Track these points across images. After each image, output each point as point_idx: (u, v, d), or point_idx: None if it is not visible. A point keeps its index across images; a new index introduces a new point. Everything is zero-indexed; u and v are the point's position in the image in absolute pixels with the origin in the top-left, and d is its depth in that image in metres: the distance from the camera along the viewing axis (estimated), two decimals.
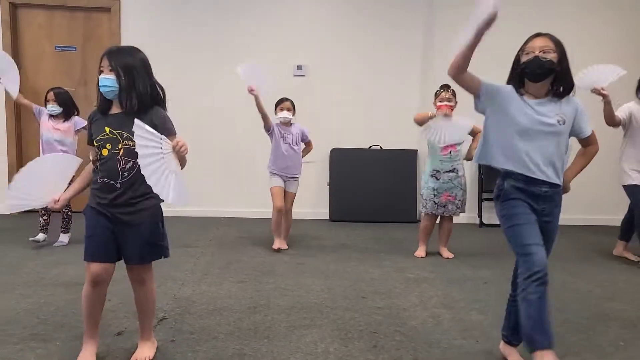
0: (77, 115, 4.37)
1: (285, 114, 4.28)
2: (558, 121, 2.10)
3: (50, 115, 4.26)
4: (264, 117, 4.21)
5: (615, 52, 5.80)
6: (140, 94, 2.06)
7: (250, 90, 4.06)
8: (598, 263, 4.19)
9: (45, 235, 4.35)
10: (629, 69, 3.76)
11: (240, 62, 5.69)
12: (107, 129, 2.07)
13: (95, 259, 2.12)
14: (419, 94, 5.97)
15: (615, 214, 5.68)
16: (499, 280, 3.65)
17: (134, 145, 1.95)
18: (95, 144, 2.10)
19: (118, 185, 2.07)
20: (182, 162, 2.15)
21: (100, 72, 2.07)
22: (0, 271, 3.57)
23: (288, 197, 4.38)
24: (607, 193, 5.79)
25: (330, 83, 5.87)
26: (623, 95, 4.21)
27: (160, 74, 5.96)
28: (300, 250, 4.26)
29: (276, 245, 4.31)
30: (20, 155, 5.76)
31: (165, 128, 2.12)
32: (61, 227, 4.39)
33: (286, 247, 4.44)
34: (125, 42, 5.62)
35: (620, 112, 4.07)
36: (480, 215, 5.88)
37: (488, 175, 5.66)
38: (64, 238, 4.34)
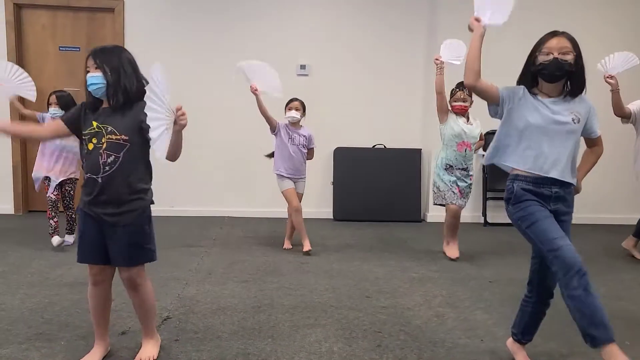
0: None
1: (293, 114, 4.22)
2: (573, 119, 2.09)
3: (53, 119, 4.23)
4: (267, 119, 4.16)
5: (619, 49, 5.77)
6: (126, 89, 2.07)
7: (254, 90, 4.03)
8: (603, 262, 4.17)
9: (64, 238, 4.33)
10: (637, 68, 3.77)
11: (242, 61, 5.76)
12: (95, 124, 2.08)
13: (85, 261, 2.16)
14: (423, 92, 5.96)
15: (619, 213, 5.68)
16: (503, 280, 3.64)
17: (117, 139, 2.04)
18: (83, 138, 2.11)
19: (99, 179, 2.06)
20: (178, 148, 2.07)
21: (87, 72, 2.09)
22: (5, 271, 3.58)
23: (297, 196, 4.32)
24: (612, 192, 5.78)
25: (334, 82, 5.86)
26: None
27: (163, 74, 5.87)
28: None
29: (306, 247, 4.23)
30: (25, 157, 5.78)
31: None
32: (66, 229, 4.40)
33: (291, 246, 4.44)
34: (128, 42, 5.63)
35: (632, 105, 4.04)
36: (484, 215, 5.86)
37: (492, 175, 5.64)
38: (68, 238, 4.35)
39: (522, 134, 2.12)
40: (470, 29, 2.25)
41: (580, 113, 2.12)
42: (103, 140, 2.06)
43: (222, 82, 5.78)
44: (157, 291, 3.18)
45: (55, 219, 4.25)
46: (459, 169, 4.09)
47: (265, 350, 2.42)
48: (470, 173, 4.16)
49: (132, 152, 2.09)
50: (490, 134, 3.66)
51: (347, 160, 5.86)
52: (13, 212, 5.78)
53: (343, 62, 5.89)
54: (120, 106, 2.07)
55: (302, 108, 4.30)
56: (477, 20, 2.22)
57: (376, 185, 5.86)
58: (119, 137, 2.05)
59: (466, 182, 4.12)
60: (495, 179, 5.63)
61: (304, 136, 4.31)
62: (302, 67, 5.85)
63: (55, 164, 4.18)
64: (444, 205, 4.17)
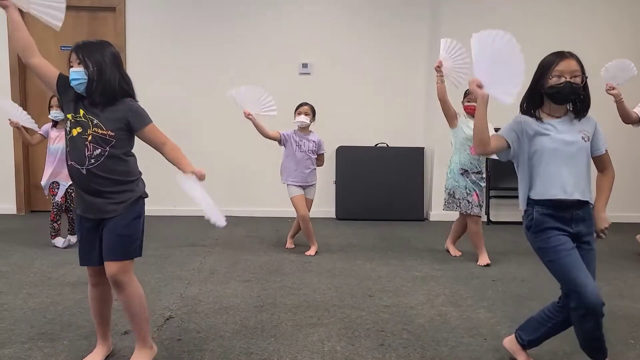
0: None
1: (302, 119, 4.16)
2: (582, 137, 2.07)
3: (54, 123, 4.22)
4: (270, 137, 4.13)
5: (619, 54, 5.76)
6: (108, 85, 2.03)
7: (247, 115, 3.97)
8: (607, 261, 4.15)
9: (68, 238, 4.35)
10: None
11: (244, 60, 5.76)
12: (82, 112, 2.04)
13: (84, 263, 2.16)
14: (425, 90, 5.95)
15: (624, 212, 5.66)
16: (507, 278, 3.63)
17: (103, 134, 2.02)
18: (70, 118, 2.06)
19: (83, 171, 2.03)
20: (184, 157, 2.18)
21: (70, 66, 2.04)
22: (7, 271, 3.58)
23: (306, 203, 4.24)
24: (616, 190, 5.76)
25: (336, 81, 5.85)
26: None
27: (164, 73, 6.01)
28: (306, 249, 4.25)
29: (312, 252, 4.21)
30: (27, 157, 5.79)
31: (141, 121, 2.09)
32: (68, 229, 4.41)
33: (293, 246, 4.43)
34: (130, 41, 5.64)
35: (639, 109, 3.94)
36: (487, 213, 5.85)
37: (495, 173, 5.63)
38: (72, 238, 4.36)
39: (539, 162, 2.09)
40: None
41: (588, 130, 2.10)
42: (89, 132, 2.02)
43: (224, 81, 5.77)
44: (159, 290, 3.20)
45: (59, 222, 4.25)
46: (474, 172, 4.00)
47: (268, 350, 2.41)
48: (484, 176, 4.09)
49: (118, 147, 2.06)
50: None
51: (349, 159, 5.86)
52: (15, 212, 5.79)
53: (345, 60, 5.88)
54: (102, 102, 2.03)
55: (312, 113, 4.22)
56: (479, 86, 2.06)
57: (379, 184, 5.85)
58: (105, 132, 2.02)
59: (482, 186, 4.04)
60: (498, 177, 5.62)
61: (313, 142, 4.22)
62: (304, 65, 5.84)
63: (64, 168, 4.19)
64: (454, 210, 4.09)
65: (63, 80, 2.08)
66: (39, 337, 2.50)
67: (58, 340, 2.46)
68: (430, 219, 5.89)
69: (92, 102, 2.03)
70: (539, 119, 2.11)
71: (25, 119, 4.11)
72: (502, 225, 5.54)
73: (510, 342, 2.37)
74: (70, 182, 4.15)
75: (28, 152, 5.77)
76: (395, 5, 5.89)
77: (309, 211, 4.24)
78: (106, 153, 2.03)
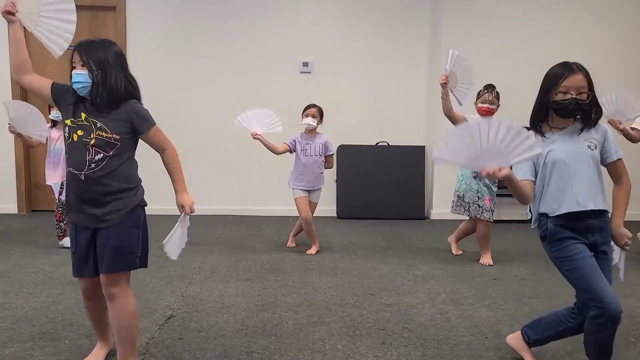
0: None
1: (309, 121, 4.11)
2: (589, 146, 2.04)
3: (54, 124, 4.20)
4: (280, 153, 4.12)
5: (617, 59, 5.77)
6: (112, 88, 1.94)
7: (255, 136, 3.96)
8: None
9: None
10: (630, 74, 3.72)
11: (245, 59, 5.76)
12: (84, 115, 1.96)
13: (79, 274, 2.08)
14: (426, 89, 5.95)
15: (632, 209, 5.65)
16: (507, 277, 3.63)
17: (108, 138, 1.94)
18: (69, 124, 1.98)
19: (82, 177, 1.94)
20: (181, 174, 2.18)
21: (73, 67, 1.96)
22: (8, 270, 3.58)
23: (310, 206, 4.21)
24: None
25: (337, 80, 5.85)
26: None
27: (165, 72, 6.01)
28: (307, 248, 4.25)
29: (313, 251, 4.20)
30: (28, 156, 5.79)
31: (146, 123, 2.03)
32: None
33: (294, 245, 4.43)
34: (130, 40, 5.63)
35: (638, 124, 3.87)
36: None
37: None
38: None
39: (548, 178, 2.07)
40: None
41: (596, 138, 2.07)
42: (92, 136, 1.94)
43: (225, 80, 5.78)
44: (160, 289, 3.21)
45: (65, 222, 4.25)
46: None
47: (269, 349, 2.42)
48: (496, 180, 4.02)
49: (122, 151, 1.98)
50: None
51: (350, 158, 5.85)
52: (17, 212, 5.79)
53: (346, 59, 5.88)
54: (106, 105, 1.95)
55: (320, 115, 4.17)
56: (498, 171, 1.79)
57: (380, 182, 5.85)
58: (110, 135, 1.95)
59: (494, 190, 3.98)
60: None
61: (320, 143, 4.18)
62: (305, 64, 5.84)
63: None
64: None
65: (57, 89, 2.03)
66: (40, 336, 2.50)
67: (59, 340, 2.46)
68: (431, 218, 5.89)
69: (95, 105, 1.95)
70: (542, 133, 2.09)
71: (35, 125, 3.98)
72: (503, 224, 5.53)
73: (515, 339, 2.36)
74: None
75: (29, 151, 5.77)
76: (396, 6, 5.88)
77: (313, 214, 4.22)
78: (108, 157, 1.95)
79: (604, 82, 2.06)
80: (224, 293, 3.18)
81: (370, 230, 5.18)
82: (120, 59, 2.00)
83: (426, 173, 5.96)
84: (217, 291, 3.22)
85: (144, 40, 5.67)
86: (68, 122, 1.98)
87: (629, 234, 2.08)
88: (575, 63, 2.05)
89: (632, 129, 3.87)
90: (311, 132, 4.19)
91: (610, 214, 2.09)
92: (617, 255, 2.17)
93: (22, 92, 5.60)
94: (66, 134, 1.99)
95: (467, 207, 3.96)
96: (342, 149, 5.87)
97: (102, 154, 1.95)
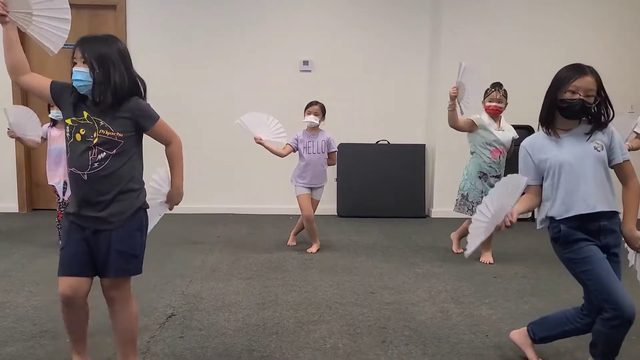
0: None
1: (312, 119, 4.11)
2: (595, 147, 2.04)
3: (53, 123, 4.20)
4: (284, 155, 4.13)
5: (613, 56, 5.76)
6: (116, 87, 1.88)
7: (258, 141, 3.97)
8: None
9: None
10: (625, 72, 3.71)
11: (246, 58, 5.76)
12: (86, 114, 1.89)
13: (67, 273, 1.94)
14: (427, 87, 5.94)
15: None
16: (508, 275, 3.63)
17: (111, 136, 1.89)
18: (70, 123, 1.92)
19: (85, 177, 1.88)
20: (180, 169, 2.12)
21: (74, 64, 1.89)
22: (9, 269, 3.59)
23: (312, 203, 4.21)
24: (618, 189, 5.75)
25: (337, 78, 5.84)
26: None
27: (165, 71, 6.01)
28: (308, 246, 4.25)
29: (314, 249, 4.20)
30: (29, 155, 5.79)
31: (150, 119, 1.97)
32: None
33: (295, 243, 4.43)
34: (131, 39, 5.63)
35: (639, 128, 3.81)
36: None
37: (505, 171, 5.59)
38: None
39: (555, 181, 2.07)
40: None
41: (602, 140, 2.06)
42: (95, 135, 1.88)
43: (225, 78, 5.78)
44: (161, 288, 3.21)
45: None
46: (493, 176, 3.90)
47: (270, 347, 2.42)
48: None
49: (126, 150, 1.93)
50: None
51: (350, 157, 5.85)
52: (17, 211, 5.79)
53: (346, 58, 5.87)
54: (109, 103, 1.89)
55: (322, 112, 4.17)
56: (511, 218, 2.04)
57: (380, 181, 5.85)
58: (113, 133, 1.89)
59: None
60: (506, 174, 5.59)
61: (323, 140, 4.17)
62: (305, 63, 5.84)
63: None
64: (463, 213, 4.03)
65: (57, 88, 1.97)
66: (42, 335, 2.51)
67: (60, 338, 2.46)
68: (432, 216, 5.89)
69: (97, 103, 1.89)
70: (556, 133, 2.09)
71: (32, 128, 4.13)
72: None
73: (519, 335, 2.36)
74: None
75: (30, 150, 5.76)
76: (396, 5, 5.87)
77: (315, 211, 4.22)
78: (111, 157, 1.89)
79: (610, 80, 2.05)
80: (224, 292, 3.19)
81: (370, 229, 5.18)
82: (124, 57, 1.93)
83: (426, 171, 5.96)
84: (217, 290, 3.22)
85: (144, 39, 5.66)
86: (69, 121, 1.92)
87: (637, 237, 2.06)
88: (587, 66, 2.05)
89: (637, 134, 3.82)
90: (313, 129, 4.18)
91: (621, 216, 2.08)
92: (632, 258, 2.17)
93: (23, 94, 5.60)
94: (67, 134, 1.93)
95: (471, 206, 3.94)
96: (343, 148, 5.85)
97: (105, 153, 1.89)
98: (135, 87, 1.95)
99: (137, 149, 2.00)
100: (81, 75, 1.86)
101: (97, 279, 1.99)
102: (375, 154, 5.93)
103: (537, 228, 2.20)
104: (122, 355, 2.05)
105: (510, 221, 2.02)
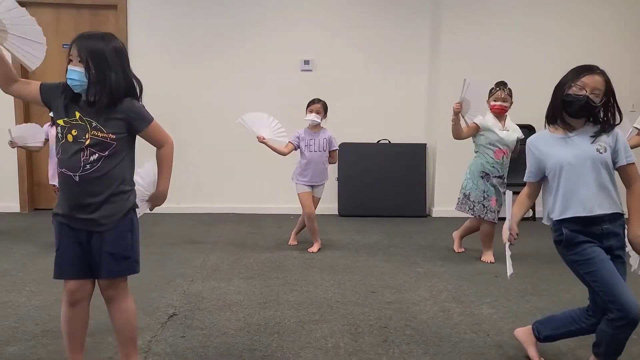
0: None
1: (313, 117, 4.10)
2: (598, 149, 2.03)
3: (54, 122, 4.19)
4: (286, 154, 4.14)
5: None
6: (111, 88, 1.84)
7: (261, 140, 3.97)
8: None
9: None
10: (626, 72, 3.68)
11: (247, 57, 5.76)
12: (78, 114, 1.86)
13: (64, 275, 1.95)
14: (427, 87, 5.94)
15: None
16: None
17: (104, 137, 1.86)
18: (61, 124, 1.88)
19: (76, 178, 1.85)
20: (168, 173, 2.10)
21: (70, 61, 1.85)
22: (11, 268, 3.59)
23: (313, 201, 4.21)
24: (621, 188, 5.74)
25: (338, 77, 5.84)
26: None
27: (166, 70, 6.00)
28: (309, 246, 4.25)
29: (315, 248, 4.21)
30: (30, 155, 5.79)
31: (143, 121, 1.95)
32: None
33: (296, 242, 4.43)
34: (132, 39, 5.63)
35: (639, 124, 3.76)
36: None
37: (508, 171, 5.58)
38: None
39: (556, 180, 2.07)
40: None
41: (606, 142, 2.05)
42: (87, 136, 1.85)
43: (227, 78, 5.78)
44: (163, 288, 3.21)
45: None
46: (496, 176, 3.89)
47: (271, 346, 2.42)
48: (505, 181, 3.96)
49: (118, 151, 1.90)
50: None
51: (351, 156, 5.85)
52: (19, 210, 5.80)
53: (347, 57, 5.87)
54: (103, 104, 1.85)
55: (324, 110, 4.16)
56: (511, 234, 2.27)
57: (381, 180, 5.85)
58: (106, 135, 1.86)
59: (502, 191, 3.92)
60: (508, 173, 5.58)
61: (324, 139, 4.18)
62: (306, 62, 5.84)
63: None
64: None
65: (47, 90, 1.94)
66: (43, 335, 2.51)
67: (62, 338, 2.45)
68: (433, 215, 5.89)
69: (92, 103, 1.85)
70: (557, 130, 2.09)
71: (34, 138, 4.23)
72: (504, 221, 5.51)
73: (524, 332, 2.36)
74: None
75: (31, 152, 5.77)
76: (397, 4, 5.87)
77: (315, 209, 4.23)
78: (103, 158, 1.87)
79: (611, 79, 2.05)
80: (226, 291, 3.19)
81: (371, 228, 5.18)
82: (121, 56, 1.89)
83: (427, 171, 5.96)
84: (219, 289, 3.22)
85: (144, 39, 5.67)
86: (61, 122, 1.89)
87: None
88: (599, 67, 2.05)
89: (637, 130, 3.81)
90: (315, 127, 4.18)
91: (625, 217, 2.08)
92: (635, 262, 2.18)
93: (25, 104, 5.61)
94: (59, 134, 1.89)
95: (472, 205, 3.94)
96: (344, 147, 5.85)
97: (97, 155, 1.86)
98: (131, 88, 1.93)
99: (129, 150, 1.98)
100: (76, 74, 1.83)
101: None
102: (376, 154, 5.94)
103: (544, 222, 2.19)
104: (123, 354, 2.05)
105: (514, 237, 2.22)
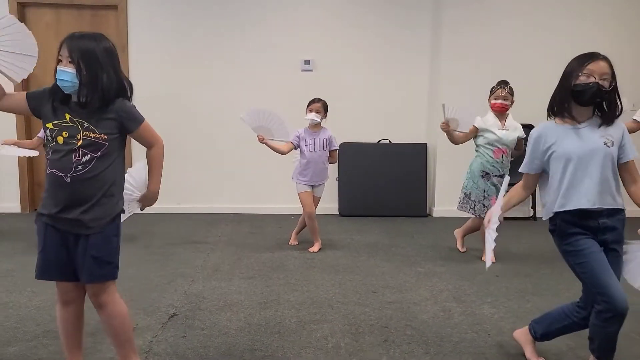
0: None
1: (313, 116, 4.10)
2: (605, 142, 2.01)
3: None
4: (286, 153, 4.13)
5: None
6: (103, 89, 1.83)
7: (262, 141, 3.97)
8: None
9: None
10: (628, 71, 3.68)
11: (247, 57, 5.76)
12: (68, 116, 1.85)
13: (44, 276, 1.95)
14: (428, 86, 5.94)
15: (627, 206, 5.65)
16: (510, 274, 3.63)
17: (96, 138, 1.85)
18: (50, 127, 1.86)
19: (68, 179, 1.84)
20: (159, 173, 2.08)
21: (59, 61, 1.83)
22: (12, 269, 3.59)
23: (314, 200, 4.22)
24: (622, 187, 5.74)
25: (338, 77, 5.84)
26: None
27: (167, 70, 6.00)
28: (310, 246, 4.25)
29: (316, 248, 4.21)
30: (30, 157, 5.79)
31: (134, 121, 1.95)
32: None
33: (297, 242, 4.43)
34: (132, 39, 5.63)
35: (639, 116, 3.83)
36: None
37: (510, 170, 5.60)
38: None
39: (560, 172, 2.04)
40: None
41: (613, 136, 2.04)
42: (79, 137, 1.84)
43: (228, 78, 5.78)
44: (163, 288, 3.22)
45: None
46: (496, 176, 3.89)
47: (272, 346, 2.42)
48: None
49: (109, 152, 1.89)
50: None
51: (352, 156, 5.85)
52: (20, 211, 5.80)
53: (347, 57, 5.87)
54: (94, 105, 1.84)
55: (324, 110, 4.16)
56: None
57: (382, 180, 5.85)
58: (98, 135, 1.85)
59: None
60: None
61: (324, 138, 4.17)
62: (307, 62, 5.84)
63: None
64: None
65: (33, 98, 1.92)
66: (44, 335, 2.51)
67: None
68: (434, 215, 5.89)
69: (83, 105, 1.84)
70: (572, 117, 2.05)
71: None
72: (507, 221, 5.51)
73: (521, 333, 2.37)
74: None
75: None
76: (397, 4, 5.86)
77: (316, 208, 4.23)
78: (95, 159, 1.86)
79: (617, 78, 2.04)
80: (226, 291, 3.19)
81: (372, 228, 5.18)
82: (112, 57, 1.88)
83: (428, 170, 5.96)
84: (219, 289, 3.22)
85: (145, 39, 5.66)
86: (50, 125, 1.87)
87: None
88: (599, 53, 2.03)
89: (634, 121, 3.84)
90: (315, 127, 4.18)
91: (624, 212, 2.07)
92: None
93: (24, 88, 5.61)
94: (49, 137, 1.87)
95: (473, 205, 3.94)
96: (344, 147, 5.85)
97: (89, 156, 1.86)
98: (122, 89, 1.91)
99: (120, 152, 1.97)
100: (67, 75, 1.82)
101: None
102: (377, 153, 5.93)
103: (544, 219, 2.17)
104: (122, 356, 2.04)
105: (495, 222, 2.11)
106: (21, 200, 5.81)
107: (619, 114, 2.06)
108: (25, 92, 1.93)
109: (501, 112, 3.88)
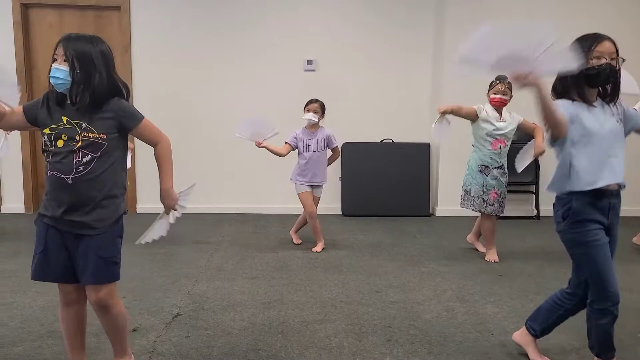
0: None
1: (310, 116, 4.12)
2: (617, 121, 2.04)
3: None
4: (284, 155, 4.16)
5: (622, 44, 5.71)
6: (94, 89, 1.85)
7: (260, 146, 4.01)
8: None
9: None
10: (629, 70, 3.67)
11: (250, 57, 5.77)
12: (65, 119, 1.86)
13: (40, 277, 1.97)
14: (430, 86, 5.93)
15: (631, 205, 5.63)
16: (513, 273, 3.63)
17: (95, 138, 1.86)
18: (48, 132, 1.87)
19: (70, 180, 1.85)
20: (169, 170, 2.08)
21: (54, 60, 1.86)
22: (16, 269, 3.60)
23: (313, 200, 4.24)
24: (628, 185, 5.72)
25: (341, 77, 5.84)
26: None
27: (169, 71, 6.02)
28: (313, 245, 4.26)
29: (319, 248, 4.21)
30: (34, 156, 5.81)
31: (133, 119, 1.95)
32: None
33: (300, 241, 4.44)
34: (135, 39, 5.64)
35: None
36: None
37: (510, 168, 5.59)
38: None
39: (584, 149, 2.00)
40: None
41: (619, 111, 2.07)
42: (78, 138, 1.85)
43: (231, 78, 5.78)
44: (167, 288, 3.22)
45: None
46: (495, 167, 3.89)
47: (276, 346, 2.43)
48: (506, 171, 3.96)
49: (109, 152, 1.90)
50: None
51: (355, 155, 5.85)
52: (24, 212, 5.82)
53: (350, 57, 5.87)
54: (89, 106, 1.85)
55: (322, 110, 4.17)
56: (527, 76, 1.81)
57: (384, 180, 5.84)
58: (97, 135, 1.86)
59: (502, 182, 3.91)
60: (512, 172, 5.54)
61: (323, 138, 4.19)
62: (309, 62, 5.84)
63: None
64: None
65: (29, 110, 1.93)
66: (49, 335, 2.52)
67: None
68: (437, 215, 5.88)
69: (76, 105, 1.86)
70: (589, 101, 2.03)
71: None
72: (509, 220, 5.52)
73: (520, 335, 2.36)
74: None
75: (35, 151, 5.80)
76: (400, 4, 5.86)
77: (316, 208, 4.24)
78: (96, 159, 1.87)
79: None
80: (230, 291, 3.20)
81: (375, 228, 5.18)
82: (106, 59, 1.90)
83: (431, 170, 5.95)
84: (223, 289, 3.23)
85: (148, 40, 5.67)
86: (47, 130, 1.88)
87: None
88: (600, 33, 2.03)
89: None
90: (313, 127, 4.19)
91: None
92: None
93: (28, 87, 5.63)
94: (47, 142, 1.88)
95: (473, 201, 3.95)
96: (347, 147, 5.86)
97: (90, 156, 1.87)
98: (114, 90, 1.92)
99: (119, 152, 1.97)
100: (60, 73, 1.84)
101: None
102: (380, 153, 5.93)
103: (545, 190, 2.12)
104: (119, 352, 2.09)
105: (525, 77, 1.80)
106: (25, 201, 5.83)
107: (618, 94, 2.08)
108: (20, 107, 1.95)
109: (499, 107, 3.88)
